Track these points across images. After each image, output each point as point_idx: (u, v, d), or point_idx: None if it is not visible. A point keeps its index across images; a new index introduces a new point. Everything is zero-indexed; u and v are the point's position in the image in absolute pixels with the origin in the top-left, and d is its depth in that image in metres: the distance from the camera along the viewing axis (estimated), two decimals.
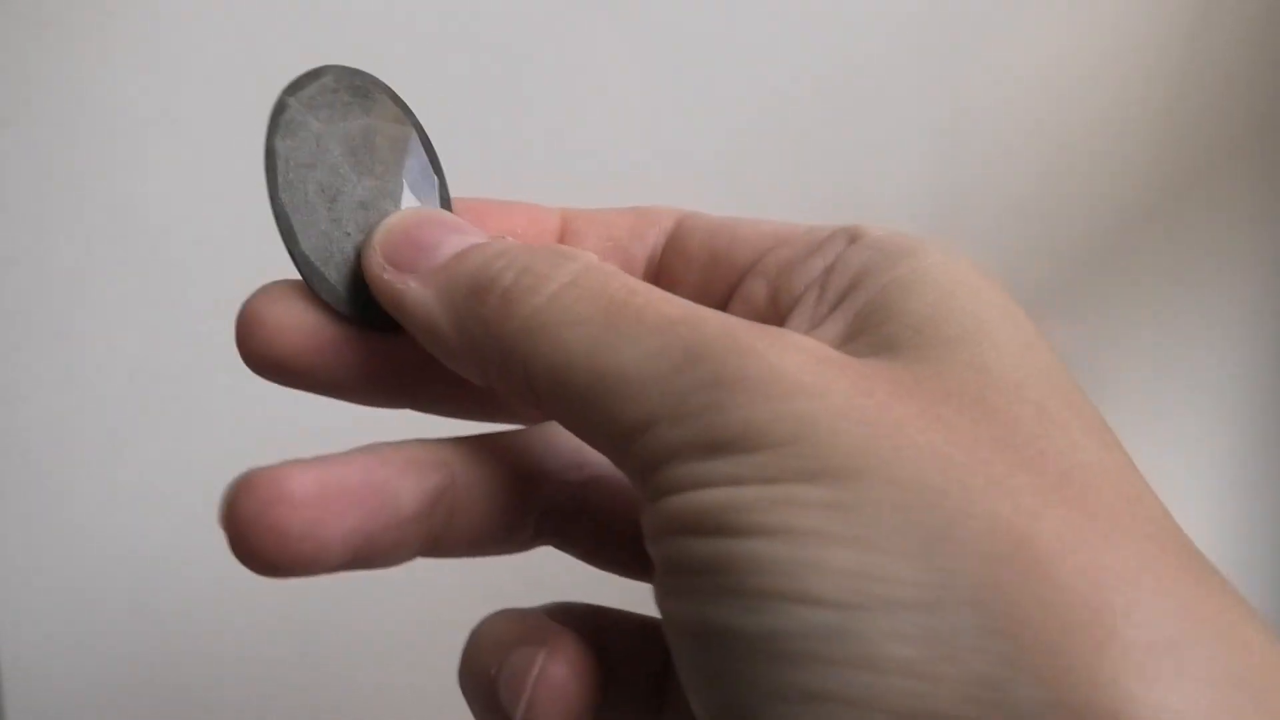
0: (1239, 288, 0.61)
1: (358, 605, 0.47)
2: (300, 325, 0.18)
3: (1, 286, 0.40)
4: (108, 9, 0.38)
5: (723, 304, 0.19)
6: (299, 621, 0.47)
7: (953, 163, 0.52)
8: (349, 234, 0.19)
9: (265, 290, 0.18)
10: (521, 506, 0.19)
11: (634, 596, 0.21)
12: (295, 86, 0.19)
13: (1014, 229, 0.55)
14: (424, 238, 0.18)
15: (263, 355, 0.17)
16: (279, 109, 0.19)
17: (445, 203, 0.20)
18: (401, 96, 0.20)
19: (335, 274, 0.18)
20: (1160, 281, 0.59)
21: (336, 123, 0.19)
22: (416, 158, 0.20)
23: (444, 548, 0.18)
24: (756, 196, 0.49)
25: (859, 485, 0.13)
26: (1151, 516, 0.13)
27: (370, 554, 0.17)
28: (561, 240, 0.20)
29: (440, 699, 0.46)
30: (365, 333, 0.18)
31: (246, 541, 0.16)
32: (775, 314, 0.17)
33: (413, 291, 0.17)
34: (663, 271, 0.20)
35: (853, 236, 0.17)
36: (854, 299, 0.16)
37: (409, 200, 0.19)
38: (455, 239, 0.18)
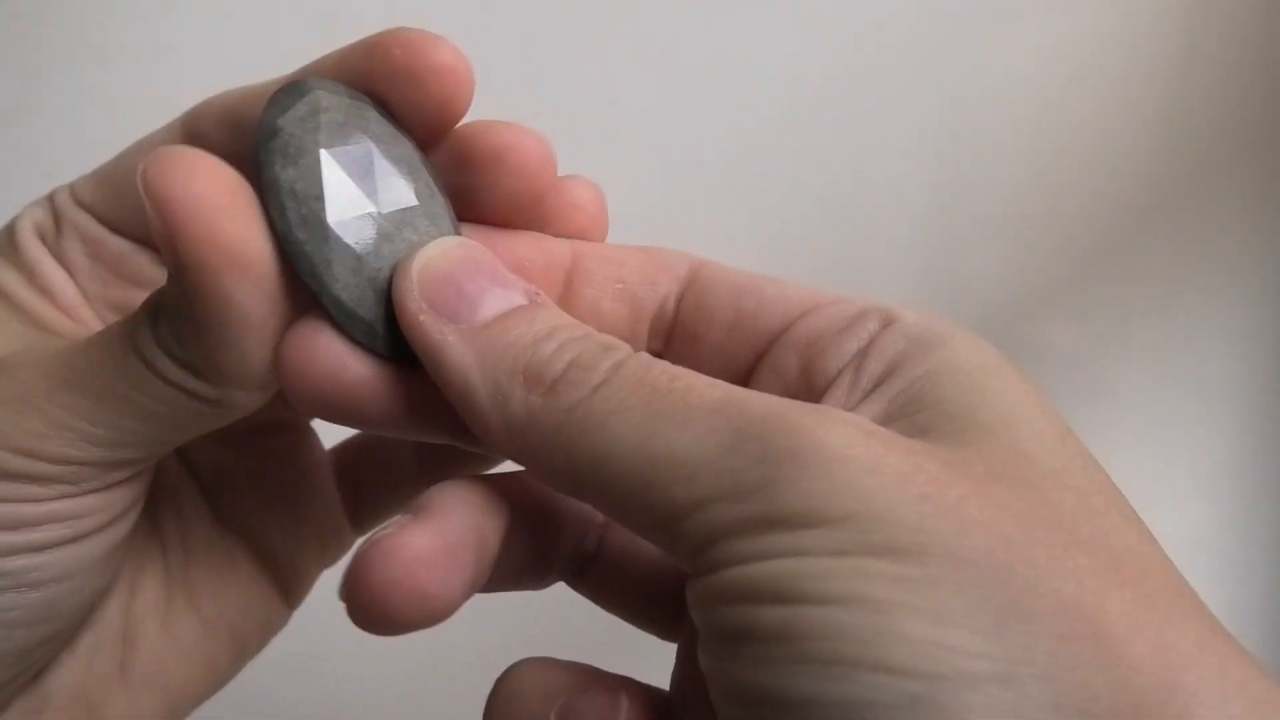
0: (1238, 288, 0.61)
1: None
2: (343, 371, 0.17)
3: None
4: (108, 9, 0.38)
5: (749, 369, 0.19)
6: (298, 618, 0.47)
7: (952, 164, 0.52)
8: (379, 270, 0.17)
9: (298, 333, 0.17)
10: (556, 544, 0.20)
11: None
12: (281, 106, 0.17)
13: (1014, 230, 0.55)
14: (467, 286, 0.17)
15: (308, 401, 0.17)
16: (270, 133, 0.17)
17: (454, 226, 0.19)
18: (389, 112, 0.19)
19: (369, 313, 0.17)
20: (1160, 282, 0.59)
21: (337, 145, 0.17)
22: (422, 179, 0.18)
23: (488, 584, 0.18)
24: (757, 197, 0.49)
25: (926, 561, 0.13)
26: (1194, 601, 0.14)
27: (469, 597, 0.17)
28: (570, 278, 0.19)
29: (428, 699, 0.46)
30: (405, 370, 0.17)
31: (384, 606, 0.16)
32: (808, 391, 0.17)
33: (452, 348, 0.16)
34: (680, 325, 0.19)
35: (886, 320, 0.17)
36: (889, 387, 0.16)
37: (427, 227, 0.18)
38: (498, 295, 0.17)
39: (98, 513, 0.18)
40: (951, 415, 0.15)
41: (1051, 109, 0.53)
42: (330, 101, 0.17)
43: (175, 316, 0.16)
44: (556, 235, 0.20)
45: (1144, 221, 0.57)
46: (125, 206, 0.20)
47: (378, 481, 0.24)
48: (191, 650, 0.21)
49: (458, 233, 0.19)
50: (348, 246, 0.17)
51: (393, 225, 0.18)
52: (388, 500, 0.24)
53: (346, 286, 0.17)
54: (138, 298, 0.20)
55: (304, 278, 0.16)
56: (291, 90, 0.17)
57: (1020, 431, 0.15)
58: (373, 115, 0.18)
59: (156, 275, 0.21)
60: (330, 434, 0.23)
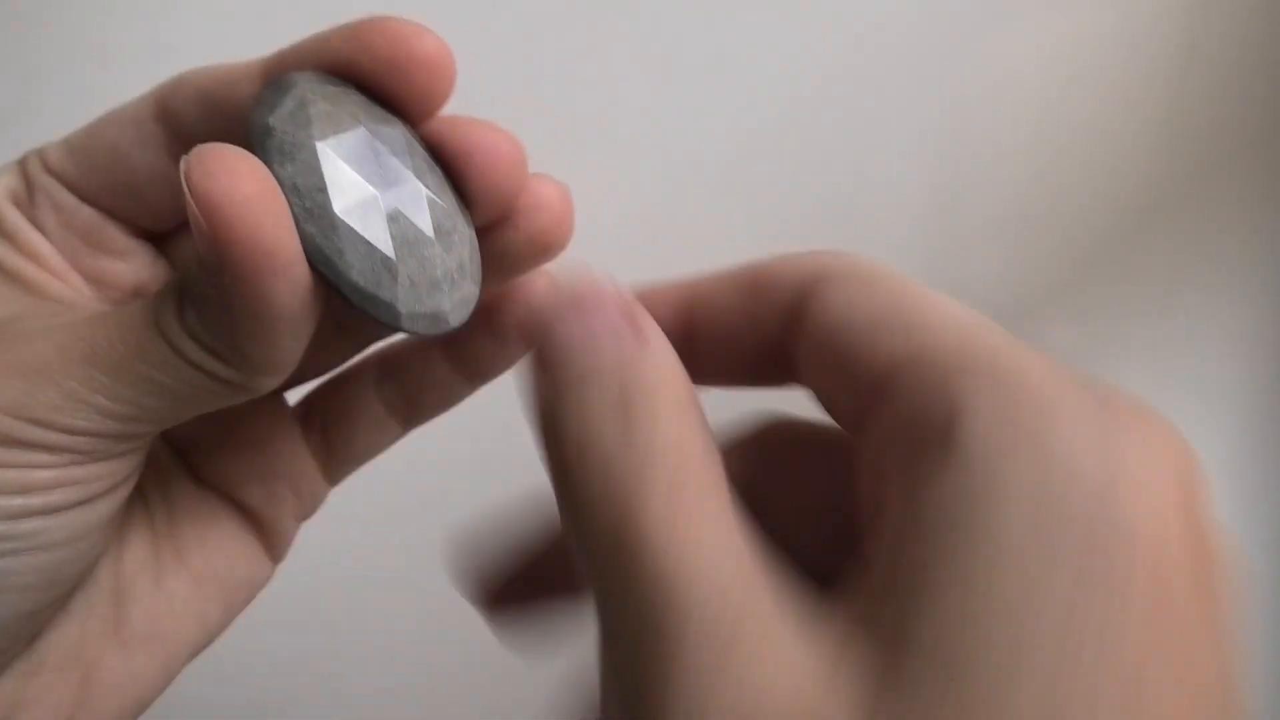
0: (1238, 288, 0.61)
1: (359, 602, 0.47)
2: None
3: None
4: (108, 9, 0.38)
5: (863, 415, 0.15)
6: (299, 616, 0.47)
7: (952, 163, 0.52)
8: (390, 250, 0.18)
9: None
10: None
11: None
12: (269, 104, 0.17)
13: (1014, 230, 0.55)
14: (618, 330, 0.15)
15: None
16: (264, 132, 0.17)
17: (456, 198, 0.19)
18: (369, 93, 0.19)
19: (388, 293, 0.17)
20: (1160, 282, 0.59)
21: (330, 136, 0.18)
22: (419, 156, 0.19)
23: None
24: (757, 196, 0.49)
25: None
26: None
27: None
28: None
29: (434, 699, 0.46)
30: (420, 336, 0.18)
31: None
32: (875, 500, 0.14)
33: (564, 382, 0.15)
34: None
35: (944, 441, 0.13)
36: (905, 553, 0.12)
37: (431, 200, 0.19)
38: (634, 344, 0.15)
39: (106, 478, 0.18)
40: (945, 658, 0.11)
41: (1051, 109, 0.53)
42: (316, 92, 0.18)
43: (205, 306, 0.17)
44: (520, 233, 0.20)
45: (1144, 221, 0.57)
46: (97, 177, 0.20)
47: (342, 432, 0.24)
48: (183, 606, 0.21)
49: (460, 203, 0.19)
50: (356, 232, 0.17)
51: (397, 205, 0.18)
52: (354, 451, 0.24)
53: (362, 272, 0.17)
54: (110, 267, 0.21)
55: (319, 268, 0.17)
56: (277, 87, 0.18)
57: (992, 635, 0.11)
58: (359, 100, 0.18)
59: (128, 246, 0.21)
60: (294, 392, 0.24)
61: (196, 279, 0.17)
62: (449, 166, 0.19)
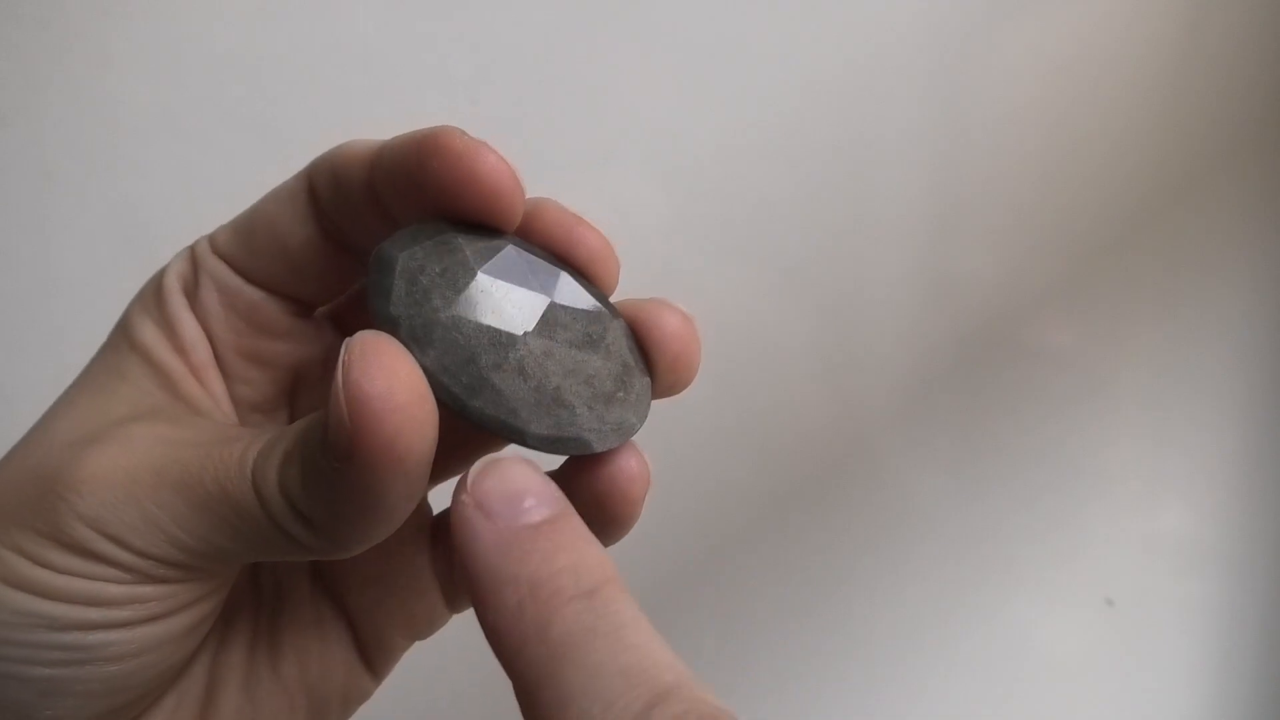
0: (1239, 287, 0.61)
1: None
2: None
3: (1, 286, 0.40)
4: (108, 9, 0.38)
5: None
6: None
7: (953, 163, 0.52)
8: (558, 388, 0.17)
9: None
10: None
11: None
12: (383, 290, 0.17)
13: (1014, 229, 0.55)
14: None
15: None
16: (391, 325, 0.16)
17: (590, 291, 0.19)
18: (463, 224, 0.18)
19: (573, 430, 0.17)
20: (1160, 281, 0.59)
21: (454, 300, 0.17)
22: (538, 270, 0.18)
23: None
24: (757, 197, 0.49)
25: None
26: None
27: None
28: None
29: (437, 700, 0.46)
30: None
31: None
32: None
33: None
34: None
35: None
36: None
37: (570, 313, 0.18)
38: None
39: (177, 597, 0.18)
40: None
41: (1052, 109, 0.53)
42: (419, 257, 0.17)
43: (312, 475, 0.16)
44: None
45: (1144, 221, 0.57)
46: (259, 256, 0.20)
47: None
48: (268, 715, 0.20)
49: (597, 294, 0.19)
50: (520, 385, 0.17)
51: (544, 337, 0.18)
52: None
53: (542, 421, 0.17)
54: (270, 347, 0.21)
55: (503, 435, 0.17)
56: (379, 268, 0.17)
57: None
58: (460, 241, 0.18)
59: (289, 326, 0.21)
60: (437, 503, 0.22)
61: (313, 450, 0.16)
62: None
